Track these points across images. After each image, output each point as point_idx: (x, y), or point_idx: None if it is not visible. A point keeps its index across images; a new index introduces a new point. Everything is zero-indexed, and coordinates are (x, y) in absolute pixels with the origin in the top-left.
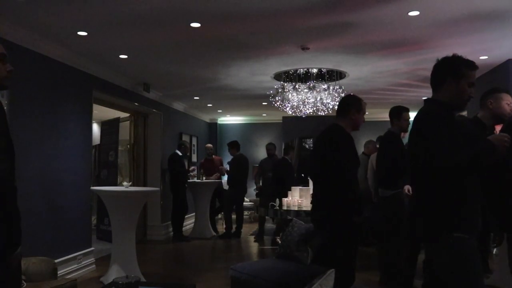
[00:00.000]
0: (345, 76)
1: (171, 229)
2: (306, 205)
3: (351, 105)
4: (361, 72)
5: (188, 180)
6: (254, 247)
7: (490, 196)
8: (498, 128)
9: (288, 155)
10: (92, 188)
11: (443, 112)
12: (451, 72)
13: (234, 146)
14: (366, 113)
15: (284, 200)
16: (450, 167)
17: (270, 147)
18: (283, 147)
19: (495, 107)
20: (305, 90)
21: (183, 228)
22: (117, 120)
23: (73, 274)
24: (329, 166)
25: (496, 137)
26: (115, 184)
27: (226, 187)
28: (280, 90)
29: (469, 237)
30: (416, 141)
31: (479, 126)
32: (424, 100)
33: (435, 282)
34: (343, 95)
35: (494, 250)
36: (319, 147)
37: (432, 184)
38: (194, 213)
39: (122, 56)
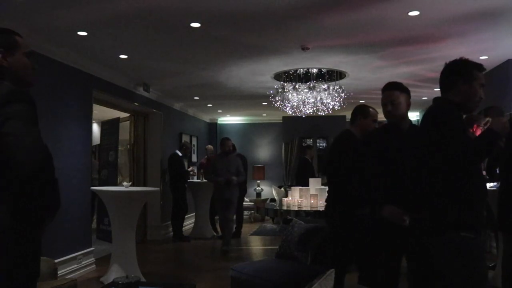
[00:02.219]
0: (345, 76)
1: (171, 229)
2: (306, 205)
3: (357, 112)
4: (361, 72)
5: (188, 180)
6: (254, 247)
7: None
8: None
9: (307, 154)
10: (92, 188)
11: (455, 110)
12: (462, 75)
13: None
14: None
15: (284, 200)
16: (475, 160)
17: (229, 143)
18: (283, 147)
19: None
20: (305, 90)
21: (183, 228)
22: (117, 120)
23: (73, 274)
24: (333, 166)
25: (497, 124)
26: (115, 184)
27: None
28: (280, 90)
29: (474, 236)
30: (429, 137)
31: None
32: (434, 98)
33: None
34: (343, 95)
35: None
36: (329, 149)
37: (439, 182)
38: (194, 213)
39: (122, 56)
